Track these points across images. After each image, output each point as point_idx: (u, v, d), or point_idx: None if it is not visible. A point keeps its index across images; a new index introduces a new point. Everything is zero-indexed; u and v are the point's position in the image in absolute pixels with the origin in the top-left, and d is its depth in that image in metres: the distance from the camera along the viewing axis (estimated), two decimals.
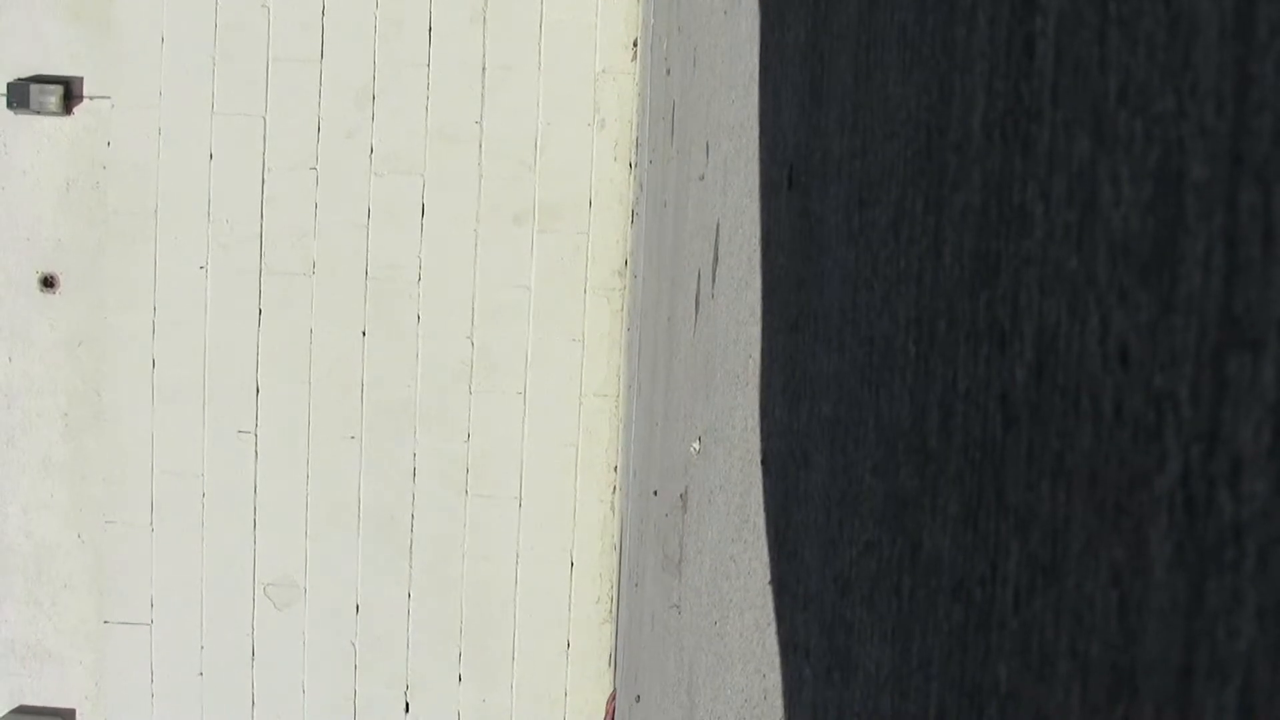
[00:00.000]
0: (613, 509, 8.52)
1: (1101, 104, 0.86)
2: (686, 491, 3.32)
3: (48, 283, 8.59)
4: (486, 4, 8.49)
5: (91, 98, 8.51)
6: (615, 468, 8.54)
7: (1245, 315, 0.66)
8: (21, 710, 8.88)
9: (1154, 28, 0.78)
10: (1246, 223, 0.67)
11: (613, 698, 6.20)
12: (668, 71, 5.24)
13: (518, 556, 8.78)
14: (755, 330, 2.26)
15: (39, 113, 8.38)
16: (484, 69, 8.52)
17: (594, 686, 8.71)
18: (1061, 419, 0.88)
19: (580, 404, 8.60)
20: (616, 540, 8.15)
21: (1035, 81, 0.98)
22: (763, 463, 2.09)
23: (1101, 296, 0.83)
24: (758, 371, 2.20)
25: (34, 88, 8.33)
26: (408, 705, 9.00)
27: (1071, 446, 0.86)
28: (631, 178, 8.38)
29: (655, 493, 4.56)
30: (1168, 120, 0.76)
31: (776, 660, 1.86)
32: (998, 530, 0.99)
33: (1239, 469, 0.66)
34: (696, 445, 3.07)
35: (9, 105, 8.45)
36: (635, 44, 8.38)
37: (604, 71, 8.51)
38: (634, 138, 8.36)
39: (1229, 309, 0.68)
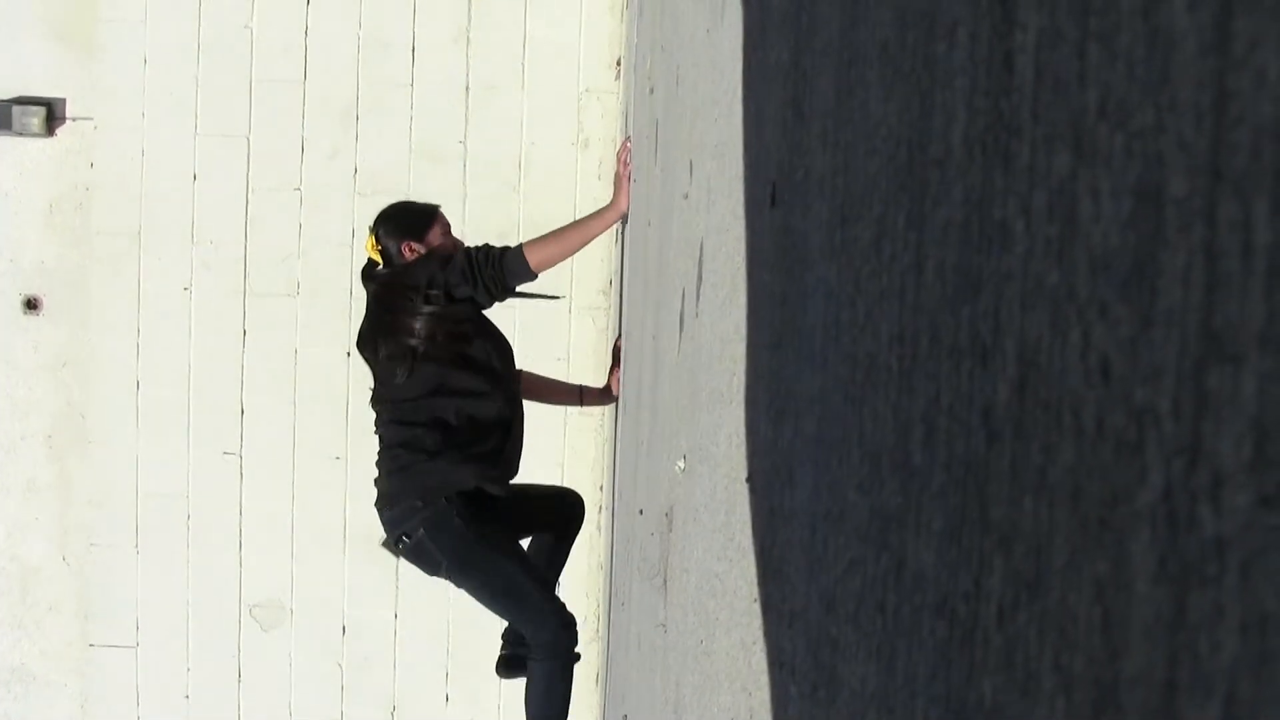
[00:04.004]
0: (599, 528, 8.51)
1: (1081, 119, 0.86)
2: (671, 510, 3.32)
3: (31, 305, 8.58)
4: (469, 23, 8.50)
5: (74, 119, 8.50)
6: (601, 487, 8.54)
7: (1225, 329, 0.67)
8: None
9: (1133, 42, 0.79)
10: (1226, 237, 0.67)
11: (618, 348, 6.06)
12: (651, 90, 5.25)
13: None
14: (739, 348, 2.26)
15: (21, 134, 8.37)
16: (467, 89, 8.53)
17: (582, 705, 8.70)
18: (1044, 434, 0.88)
19: (566, 423, 8.60)
20: (603, 559, 8.14)
21: (1015, 97, 0.98)
22: (747, 480, 2.09)
23: (1082, 311, 0.83)
24: (742, 389, 2.20)
25: (16, 109, 8.33)
26: None
27: (1054, 461, 0.86)
28: None
29: (641, 511, 4.56)
30: (1147, 135, 0.76)
31: (763, 679, 1.86)
32: (981, 546, 0.99)
33: (1220, 483, 0.66)
34: (681, 464, 3.07)
35: None
36: (619, 63, 8.39)
37: (588, 90, 8.53)
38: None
39: (1209, 323, 0.68)
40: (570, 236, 5.76)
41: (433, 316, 5.46)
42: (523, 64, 8.53)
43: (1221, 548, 0.66)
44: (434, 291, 5.45)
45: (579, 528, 6.31)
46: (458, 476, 5.57)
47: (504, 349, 5.76)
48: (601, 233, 5.93)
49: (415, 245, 5.61)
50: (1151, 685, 0.71)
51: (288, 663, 8.83)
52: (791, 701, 1.66)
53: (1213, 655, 0.66)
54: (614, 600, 6.60)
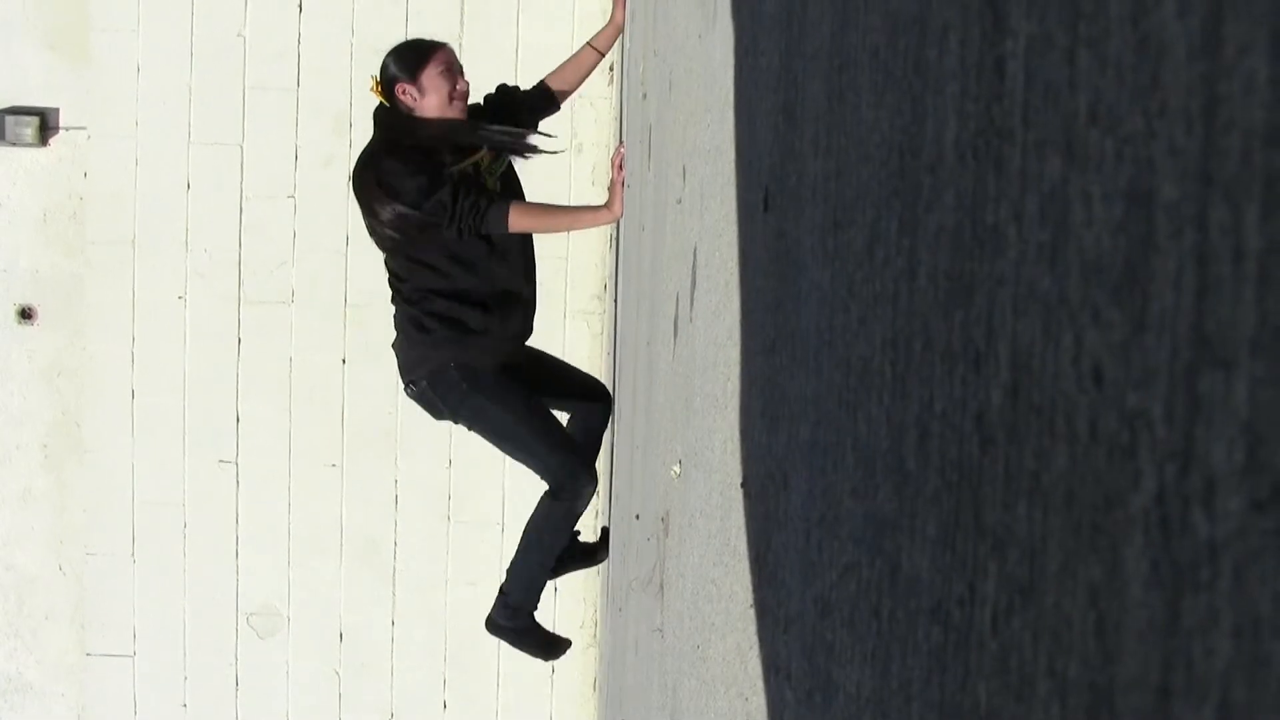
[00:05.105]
0: (595, 532, 8.51)
1: (1072, 124, 0.86)
2: (667, 515, 3.32)
3: (25, 314, 8.57)
4: (462, 29, 8.50)
5: (68, 129, 8.50)
6: (597, 492, 8.52)
7: (1216, 334, 0.67)
8: None
9: (1122, 48, 0.79)
10: (1217, 241, 0.67)
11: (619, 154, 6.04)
12: (644, 96, 5.25)
13: (501, 582, 8.75)
14: (734, 353, 2.26)
15: (15, 144, 8.37)
16: None
17: (579, 712, 8.70)
18: (1037, 439, 0.88)
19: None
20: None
21: (1006, 102, 0.98)
22: (742, 486, 2.09)
23: (1074, 316, 0.83)
24: (736, 394, 2.20)
25: (10, 119, 8.32)
26: None
27: (1047, 466, 0.86)
28: None
29: (637, 516, 4.56)
30: (1138, 140, 0.76)
31: (759, 683, 1.86)
32: (975, 551, 0.99)
33: (1213, 487, 0.66)
34: (677, 469, 3.07)
35: None
36: (612, 68, 8.39)
37: (581, 96, 8.52)
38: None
39: (1200, 328, 0.68)
40: (556, 218, 5.82)
41: (403, 217, 5.47)
42: (516, 69, 8.53)
43: (1214, 552, 0.66)
44: (408, 209, 5.47)
45: (604, 416, 6.42)
46: (451, 353, 5.72)
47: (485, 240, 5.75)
48: (586, 228, 5.96)
49: (408, 87, 5.56)
50: (1146, 690, 0.71)
51: (285, 670, 8.82)
52: (787, 706, 1.66)
53: (1207, 659, 0.66)
54: (611, 605, 6.60)
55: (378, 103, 5.68)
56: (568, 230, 5.90)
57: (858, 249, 1.40)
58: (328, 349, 8.57)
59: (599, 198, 8.46)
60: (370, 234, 5.69)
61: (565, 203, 8.31)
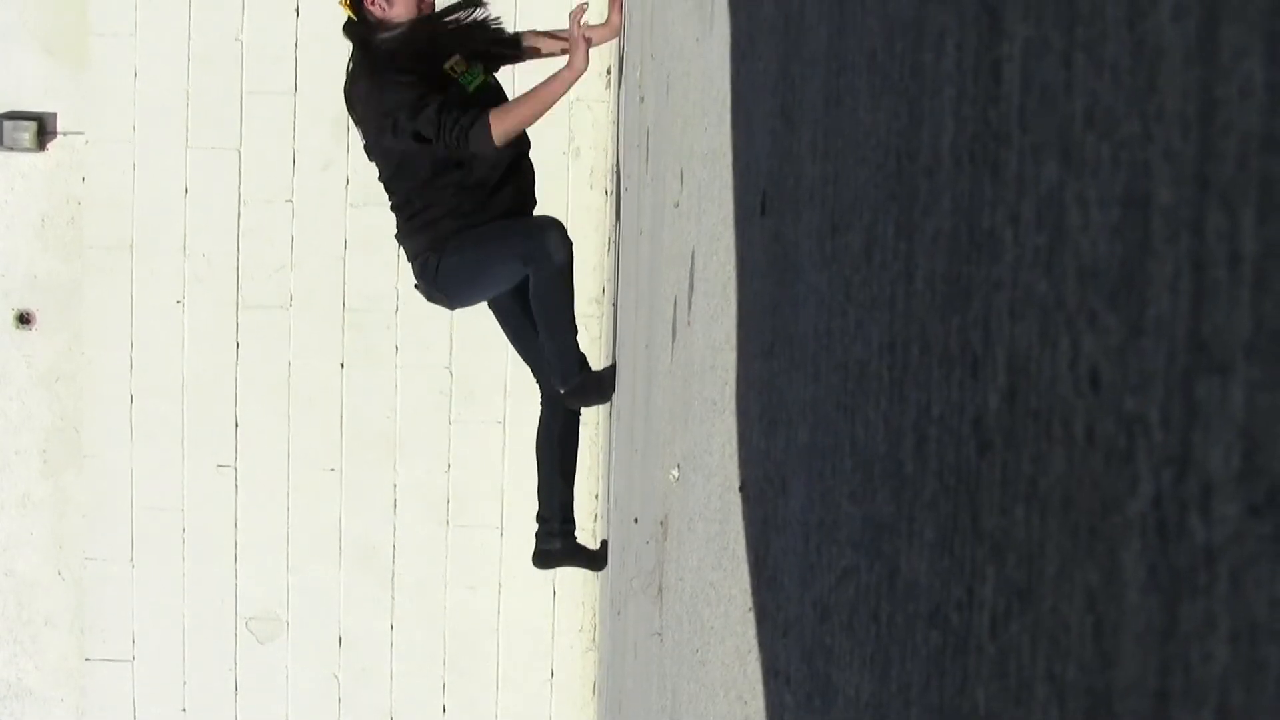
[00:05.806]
0: (594, 536, 8.51)
1: (1068, 128, 0.86)
2: (666, 518, 3.32)
3: (24, 319, 8.57)
4: None
5: (65, 133, 8.49)
6: (596, 495, 8.53)
7: (1213, 338, 0.67)
8: None
9: (1119, 52, 0.79)
10: (1213, 246, 0.67)
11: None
12: (641, 99, 5.25)
13: (500, 586, 8.77)
14: (731, 357, 2.26)
15: (13, 149, 8.37)
16: None
17: (578, 715, 8.69)
18: (1034, 443, 0.88)
19: None
20: None
21: (1003, 106, 0.98)
22: (741, 489, 2.09)
23: (1071, 320, 0.83)
24: (734, 398, 2.20)
25: (7, 124, 8.32)
26: None
27: (1044, 471, 0.86)
28: (607, 205, 8.39)
29: (636, 520, 4.56)
30: (1134, 144, 0.76)
31: (758, 687, 1.86)
32: (973, 555, 0.99)
33: (1210, 492, 0.66)
34: (675, 472, 3.07)
35: None
36: (609, 72, 8.40)
37: (578, 100, 8.52)
38: (609, 165, 8.37)
39: (1197, 332, 0.68)
40: (532, 105, 5.84)
41: (396, 135, 5.67)
42: (513, 72, 8.53)
43: (1211, 557, 0.66)
44: (398, 126, 5.61)
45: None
46: (426, 238, 5.91)
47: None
48: (562, 95, 5.95)
49: None
50: (1144, 694, 0.71)
51: (284, 675, 8.82)
52: (787, 710, 1.66)
53: (1204, 664, 0.66)
54: (610, 609, 6.60)
55: (345, 17, 5.81)
56: (545, 111, 5.89)
57: (855, 253, 1.40)
58: (326, 353, 8.57)
59: (596, 202, 8.46)
60: (364, 150, 5.94)
61: (551, 192, 8.32)
